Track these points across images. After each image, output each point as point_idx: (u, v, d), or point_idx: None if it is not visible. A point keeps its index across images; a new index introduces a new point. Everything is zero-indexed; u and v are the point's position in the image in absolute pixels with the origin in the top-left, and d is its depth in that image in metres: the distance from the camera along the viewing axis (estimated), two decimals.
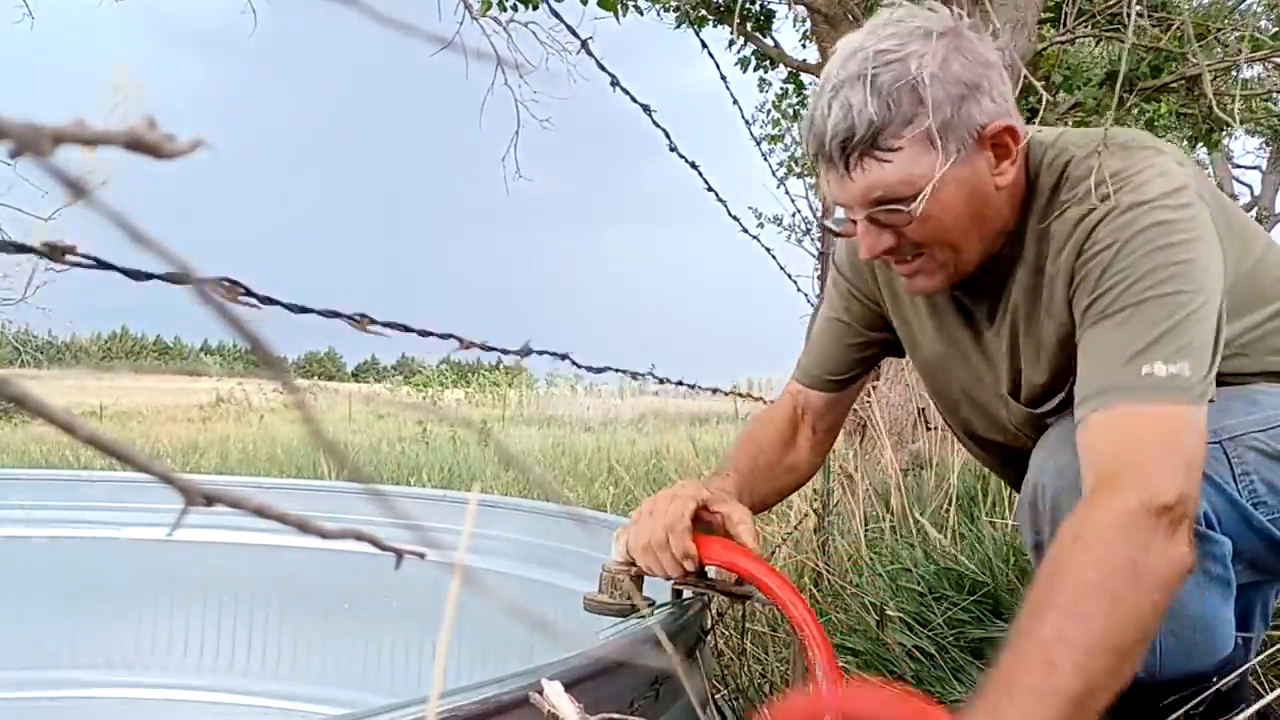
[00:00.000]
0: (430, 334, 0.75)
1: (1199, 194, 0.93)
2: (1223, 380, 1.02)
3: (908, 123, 0.90)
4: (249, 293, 0.49)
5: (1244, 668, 1.04)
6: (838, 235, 1.08)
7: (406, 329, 0.69)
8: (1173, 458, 0.82)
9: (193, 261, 0.19)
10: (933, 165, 0.91)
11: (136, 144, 0.18)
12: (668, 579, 1.05)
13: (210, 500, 0.22)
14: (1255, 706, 0.63)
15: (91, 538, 1.90)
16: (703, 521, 1.04)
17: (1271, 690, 1.39)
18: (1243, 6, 5.25)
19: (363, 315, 0.61)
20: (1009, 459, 1.19)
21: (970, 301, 1.09)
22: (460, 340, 0.79)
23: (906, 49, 0.90)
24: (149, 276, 0.42)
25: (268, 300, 0.52)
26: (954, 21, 0.94)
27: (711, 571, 1.07)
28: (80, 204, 0.17)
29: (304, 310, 0.59)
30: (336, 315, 0.61)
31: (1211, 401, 0.89)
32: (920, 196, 0.91)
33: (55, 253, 0.34)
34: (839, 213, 1.02)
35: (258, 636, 1.92)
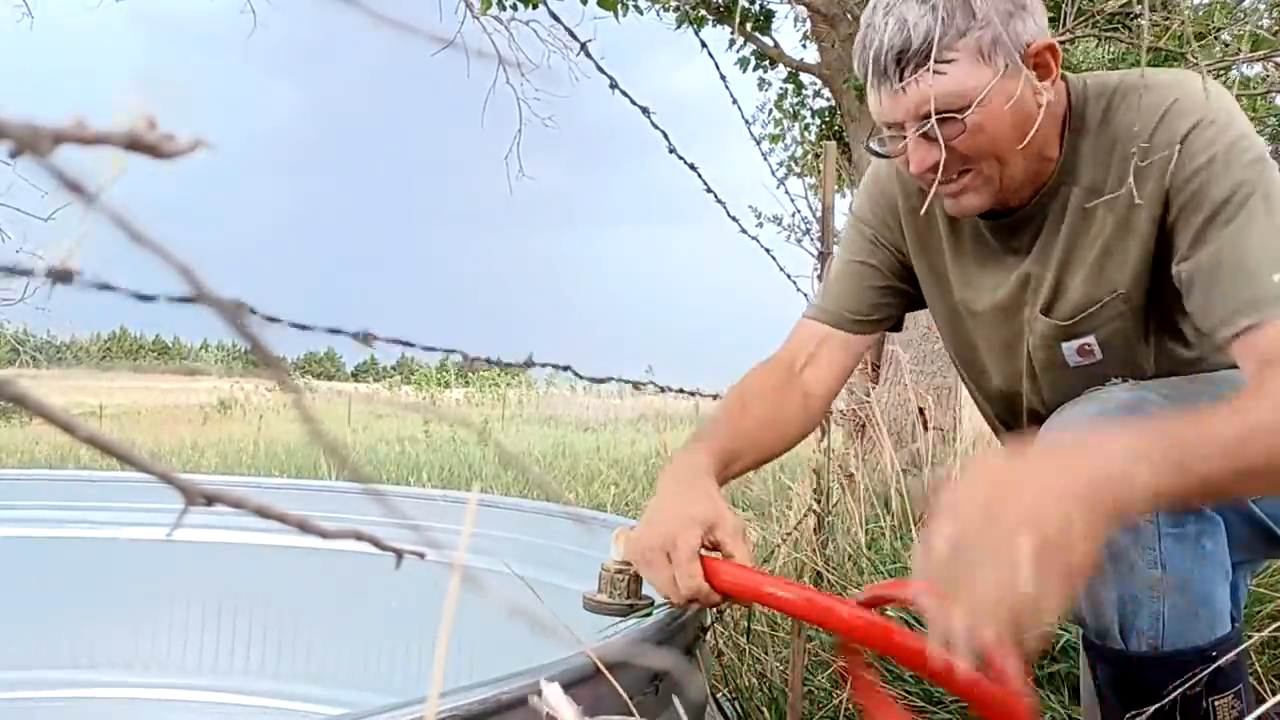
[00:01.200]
0: (434, 349, 0.75)
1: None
2: (1218, 364, 1.04)
3: (961, 35, 0.93)
4: (253, 312, 0.49)
5: (1240, 647, 1.04)
6: (883, 156, 1.08)
7: (410, 344, 0.69)
8: None
9: (192, 263, 0.19)
10: (984, 78, 0.94)
11: (136, 144, 0.18)
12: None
13: (210, 500, 0.22)
14: (1257, 713, 0.63)
15: (91, 538, 1.90)
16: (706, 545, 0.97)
17: (1272, 691, 1.39)
18: (1244, 5, 5.26)
19: (367, 333, 0.61)
20: (1016, 414, 1.20)
21: (1009, 233, 1.11)
22: (465, 355, 0.79)
23: None
24: (154, 299, 0.42)
25: (271, 319, 0.52)
26: None
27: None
28: (81, 204, 0.17)
29: (308, 328, 0.59)
30: (340, 333, 0.61)
31: (1200, 381, 0.91)
32: (974, 104, 0.94)
33: (59, 276, 0.34)
34: (883, 135, 1.04)
35: (257, 636, 1.92)
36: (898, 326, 1.31)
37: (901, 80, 0.96)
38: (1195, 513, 0.92)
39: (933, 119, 0.95)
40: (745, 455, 1.13)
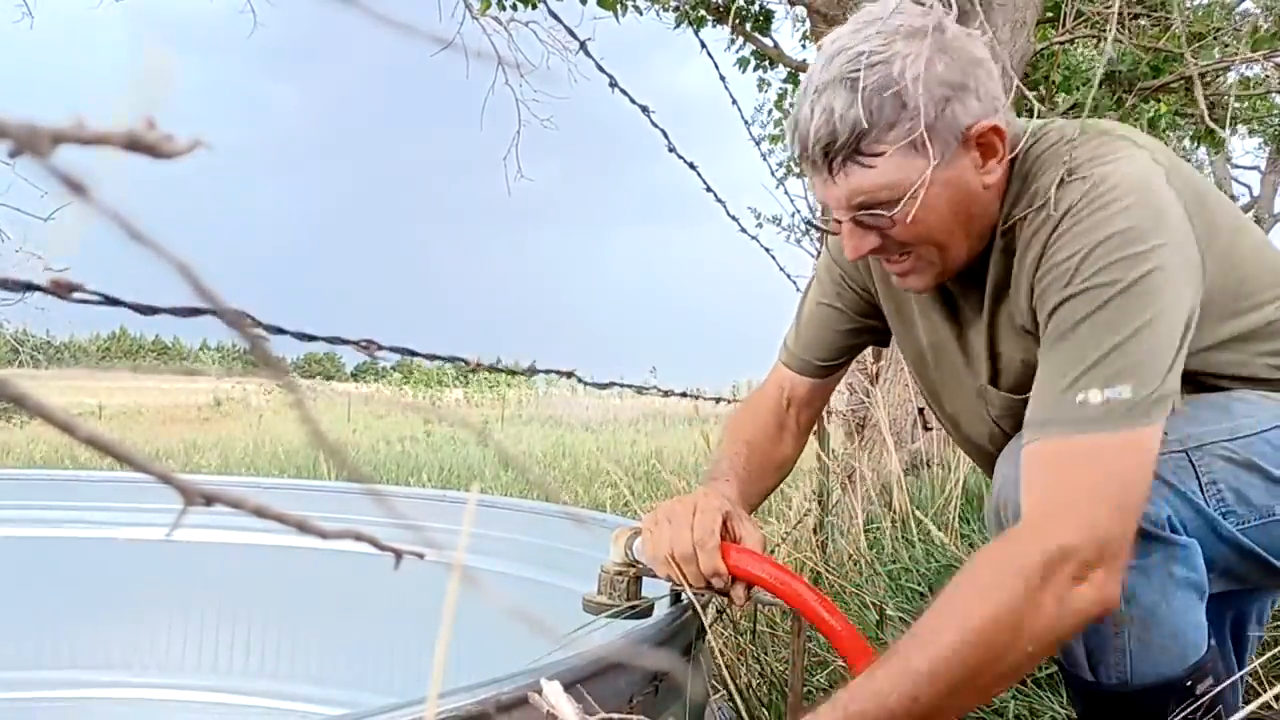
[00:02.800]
0: (438, 357, 0.75)
1: (1176, 190, 0.91)
2: (1209, 382, 1.01)
3: (891, 128, 0.89)
4: (256, 323, 0.49)
5: (1237, 675, 1.04)
6: (827, 233, 1.08)
7: (413, 353, 0.70)
8: (1093, 499, 0.82)
9: (190, 262, 0.19)
10: (917, 169, 0.89)
11: (136, 144, 0.18)
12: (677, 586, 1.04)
13: (209, 500, 0.22)
14: (1250, 707, 0.63)
15: (91, 538, 1.90)
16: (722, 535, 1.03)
17: (1272, 690, 1.39)
18: (1241, 7, 5.25)
19: (369, 341, 0.61)
20: (993, 454, 1.19)
21: (960, 293, 1.09)
22: (467, 361, 0.80)
23: (890, 49, 0.88)
24: (156, 311, 0.42)
25: (274, 329, 0.52)
26: (940, 17, 0.92)
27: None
28: (80, 204, 0.17)
29: (310, 338, 0.59)
30: (343, 342, 0.61)
31: (1178, 411, 0.88)
32: (903, 201, 0.90)
33: (61, 290, 0.34)
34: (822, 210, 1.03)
35: (257, 636, 1.91)
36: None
37: (831, 172, 0.92)
38: (1161, 540, 0.91)
39: (864, 211, 0.94)
40: (755, 495, 1.22)
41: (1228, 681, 0.97)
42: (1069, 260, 0.89)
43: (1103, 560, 0.80)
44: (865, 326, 1.25)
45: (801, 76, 0.97)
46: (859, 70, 0.88)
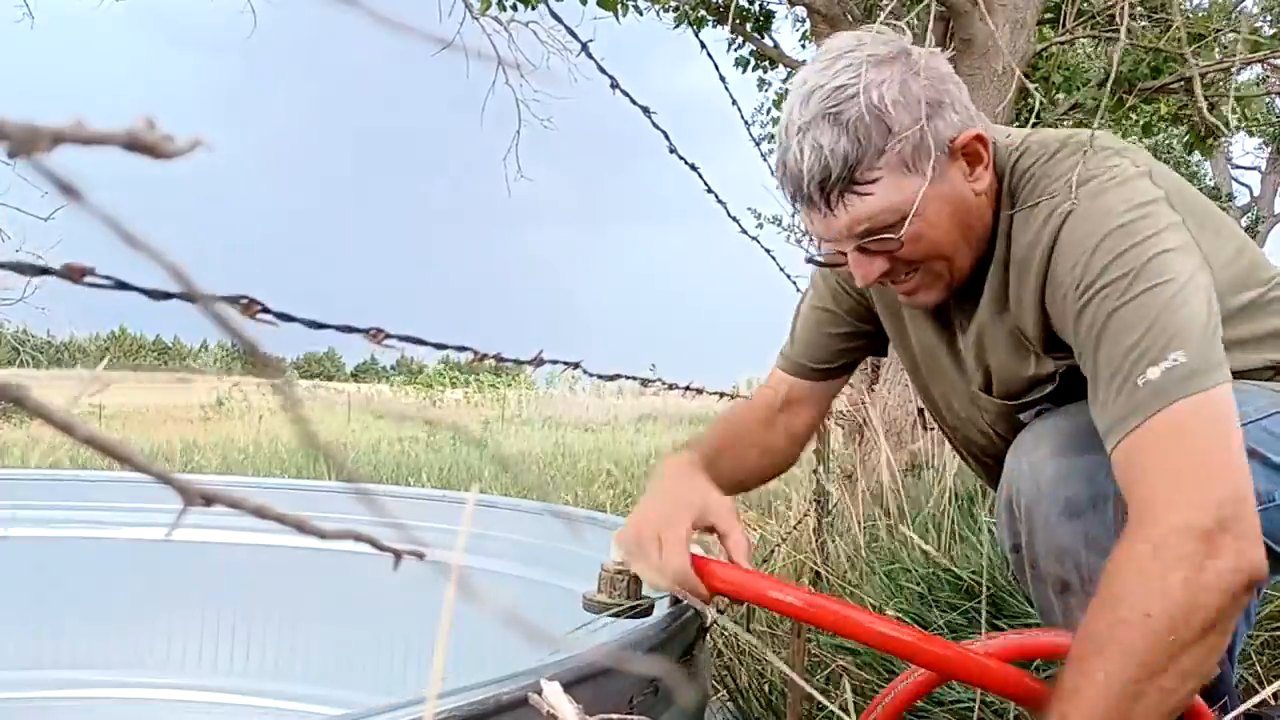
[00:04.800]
0: (446, 346, 0.75)
1: (1163, 197, 0.93)
2: None
3: (880, 153, 0.90)
4: (266, 310, 0.49)
5: (1229, 665, 1.04)
6: (826, 266, 1.08)
7: (421, 342, 0.69)
8: (1190, 470, 0.81)
9: (185, 265, 0.19)
10: (912, 187, 0.91)
11: (135, 144, 0.18)
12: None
13: (209, 500, 0.22)
14: (1249, 703, 0.63)
15: (91, 538, 1.90)
16: (698, 534, 1.01)
17: (1273, 693, 1.39)
18: (1242, 7, 5.25)
19: (378, 329, 0.61)
20: (988, 461, 1.19)
21: (953, 307, 1.10)
22: (474, 352, 0.79)
23: (863, 80, 0.90)
24: (168, 296, 0.42)
25: (284, 316, 0.52)
26: (901, 43, 0.95)
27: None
28: (76, 206, 0.17)
29: (320, 326, 0.59)
30: (352, 330, 0.61)
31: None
32: (906, 220, 0.92)
33: (73, 274, 0.34)
34: (825, 245, 1.02)
35: (256, 636, 1.91)
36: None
37: (829, 206, 0.93)
38: None
39: (869, 238, 0.94)
40: (726, 464, 1.18)
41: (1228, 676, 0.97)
42: (1075, 269, 0.90)
43: (1226, 526, 0.78)
44: (860, 331, 1.25)
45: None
46: (840, 103, 0.90)
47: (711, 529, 1.01)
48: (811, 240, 1.05)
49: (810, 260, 1.09)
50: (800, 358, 1.27)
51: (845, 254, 0.98)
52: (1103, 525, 0.93)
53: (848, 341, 1.26)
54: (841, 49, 0.94)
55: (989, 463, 1.19)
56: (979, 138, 0.95)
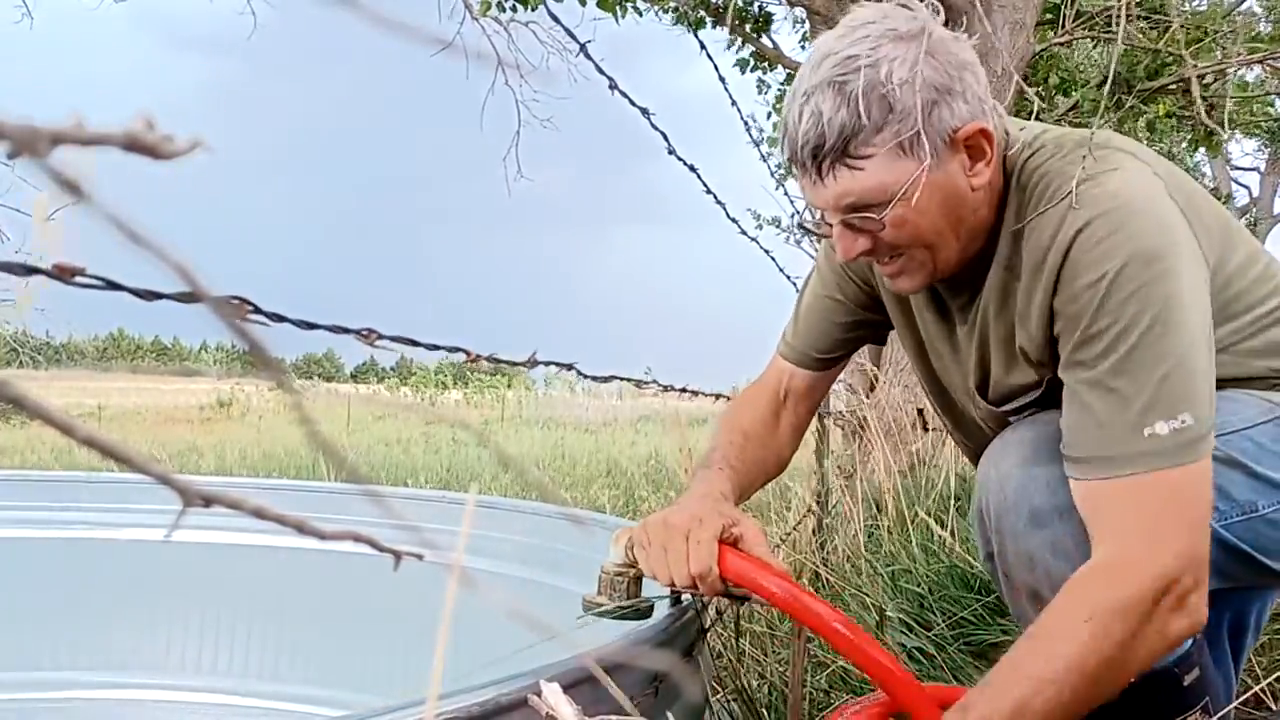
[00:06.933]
0: (439, 347, 0.75)
1: (1172, 199, 0.92)
2: None
3: (878, 130, 0.89)
4: (258, 310, 0.49)
5: (1233, 676, 1.04)
6: (815, 235, 1.08)
7: (414, 343, 0.69)
8: (1179, 526, 0.85)
9: (192, 265, 0.19)
10: (905, 171, 0.90)
11: (134, 145, 0.18)
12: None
13: (208, 501, 0.22)
14: (1237, 702, 0.64)
15: (91, 538, 1.90)
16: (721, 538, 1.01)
17: (1273, 694, 1.39)
18: (1242, 8, 5.26)
19: (370, 330, 0.61)
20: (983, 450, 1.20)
21: (948, 296, 1.10)
22: (468, 353, 0.79)
23: (878, 53, 0.89)
24: (159, 296, 0.42)
25: (276, 317, 0.52)
26: (928, 21, 0.93)
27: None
28: (78, 206, 0.17)
29: (312, 326, 0.59)
30: (344, 331, 0.61)
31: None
32: (891, 204, 0.91)
33: (64, 274, 0.34)
34: (818, 213, 1.02)
35: (256, 637, 1.91)
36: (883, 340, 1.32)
37: (820, 175, 0.93)
38: None
39: (854, 214, 0.94)
40: (749, 488, 1.21)
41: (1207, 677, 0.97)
42: (1091, 291, 0.89)
43: (1196, 584, 0.85)
44: (864, 319, 1.24)
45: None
46: (847, 74, 0.89)
47: (736, 542, 1.00)
48: (807, 208, 1.04)
49: (800, 225, 1.08)
50: (806, 347, 1.26)
51: (832, 225, 0.98)
52: (1069, 534, 0.93)
53: (852, 330, 1.25)
54: (864, 19, 0.93)
55: (983, 448, 1.20)
56: (984, 132, 0.93)
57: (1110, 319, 0.88)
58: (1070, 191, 0.92)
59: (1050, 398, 1.02)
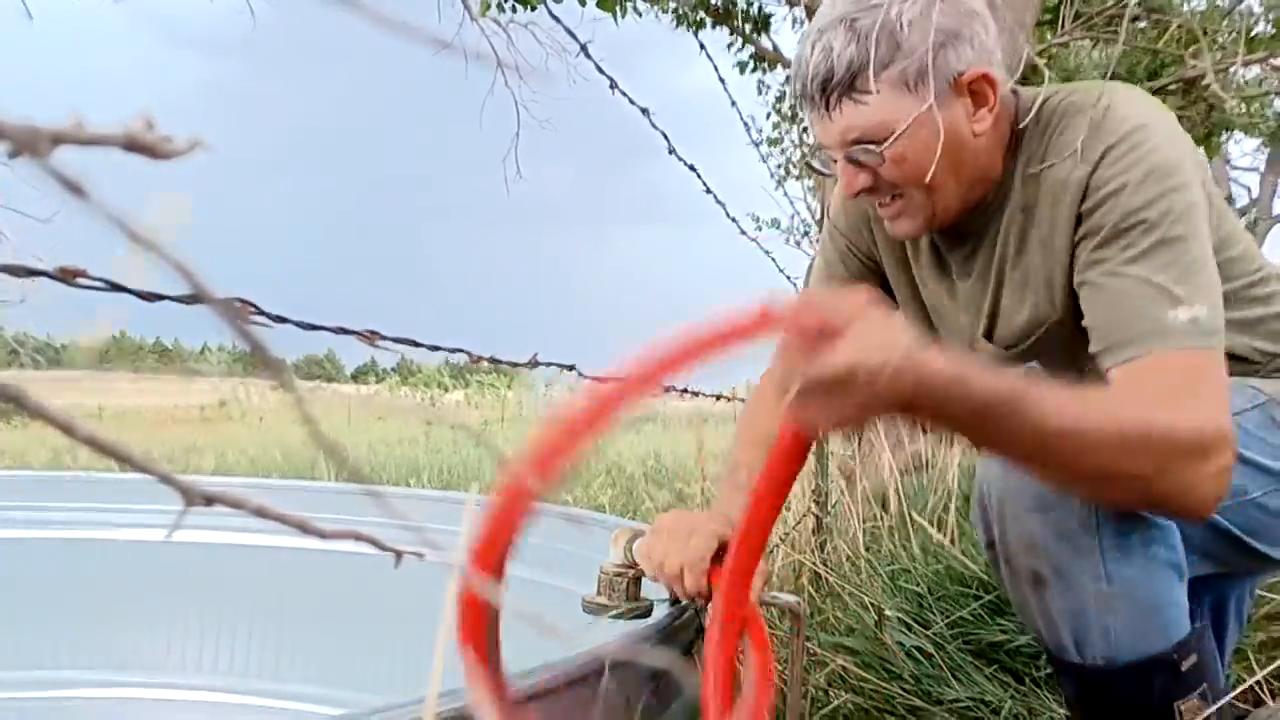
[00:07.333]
0: (440, 348, 0.75)
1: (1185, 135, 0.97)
2: None
3: (884, 66, 0.93)
4: (259, 311, 0.49)
5: (1218, 658, 1.04)
6: (822, 174, 1.10)
7: (416, 344, 0.70)
8: (1218, 402, 0.85)
9: (194, 265, 0.19)
10: (908, 108, 0.94)
11: (134, 145, 0.18)
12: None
13: (209, 501, 0.22)
14: (1240, 689, 0.64)
15: (91, 538, 1.90)
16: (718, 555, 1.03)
17: (1271, 693, 1.39)
18: (1241, 7, 5.26)
19: (372, 331, 0.62)
20: None
21: (947, 249, 1.12)
22: (469, 354, 0.80)
23: None
24: (160, 298, 0.42)
25: (278, 319, 0.52)
26: None
27: None
28: (80, 206, 0.17)
29: (314, 327, 0.59)
30: (346, 332, 0.61)
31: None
32: (892, 138, 0.95)
33: (67, 275, 0.35)
34: (823, 153, 1.05)
35: (257, 637, 1.91)
36: None
37: (827, 108, 0.97)
38: (1141, 520, 0.93)
39: (857, 147, 0.97)
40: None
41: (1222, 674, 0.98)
42: (1114, 199, 0.92)
43: (1228, 468, 0.83)
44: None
45: None
46: (859, 13, 0.94)
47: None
48: (816, 153, 1.07)
49: (808, 164, 1.10)
50: None
51: (836, 161, 1.02)
52: (1072, 518, 0.94)
53: None
54: None
55: None
56: (988, 78, 0.96)
57: (1135, 218, 0.91)
58: (1092, 118, 0.95)
59: (1055, 337, 1.04)
